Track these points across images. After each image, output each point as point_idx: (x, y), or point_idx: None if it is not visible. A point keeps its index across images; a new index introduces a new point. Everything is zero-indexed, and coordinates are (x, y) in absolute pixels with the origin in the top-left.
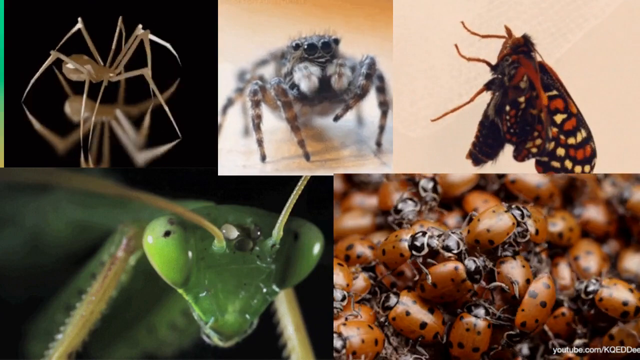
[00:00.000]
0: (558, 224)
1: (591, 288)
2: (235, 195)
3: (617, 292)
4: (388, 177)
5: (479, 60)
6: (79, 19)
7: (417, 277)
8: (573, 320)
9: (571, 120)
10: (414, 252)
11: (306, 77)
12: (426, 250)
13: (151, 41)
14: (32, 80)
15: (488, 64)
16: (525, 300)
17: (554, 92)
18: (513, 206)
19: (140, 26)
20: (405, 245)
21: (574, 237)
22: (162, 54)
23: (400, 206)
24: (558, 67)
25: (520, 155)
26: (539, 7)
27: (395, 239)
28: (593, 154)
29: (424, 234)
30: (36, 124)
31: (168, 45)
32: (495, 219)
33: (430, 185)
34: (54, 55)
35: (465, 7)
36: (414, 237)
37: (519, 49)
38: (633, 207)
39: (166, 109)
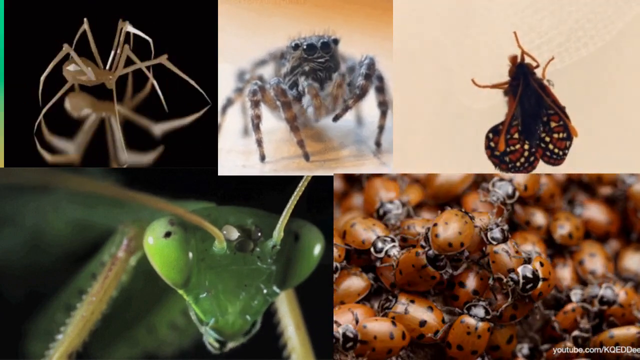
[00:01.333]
0: (565, 226)
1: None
2: (235, 196)
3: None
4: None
5: (494, 86)
6: (85, 20)
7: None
8: (582, 316)
9: (560, 127)
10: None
11: (317, 109)
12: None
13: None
14: (43, 77)
15: (502, 87)
16: None
17: (551, 111)
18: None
19: (127, 23)
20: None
21: (580, 236)
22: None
23: (386, 207)
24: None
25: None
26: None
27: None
28: (568, 146)
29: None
30: (36, 124)
31: (148, 38)
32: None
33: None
34: (65, 49)
35: (466, 7)
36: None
37: (519, 77)
38: (632, 195)
39: (191, 82)
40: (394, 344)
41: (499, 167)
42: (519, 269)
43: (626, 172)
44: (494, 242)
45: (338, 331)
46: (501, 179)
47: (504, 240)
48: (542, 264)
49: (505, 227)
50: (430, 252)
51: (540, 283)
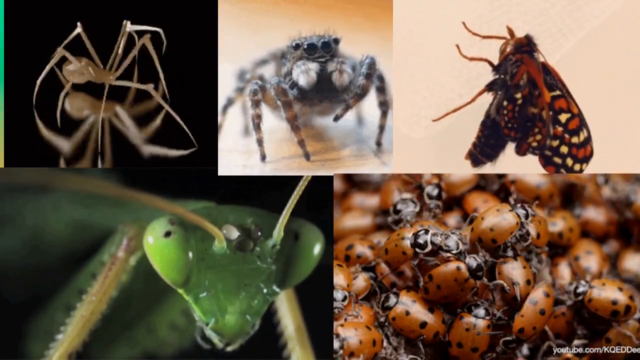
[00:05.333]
0: (558, 224)
1: (580, 289)
2: (235, 195)
3: (606, 292)
4: (390, 176)
5: (480, 59)
6: (79, 24)
7: (420, 279)
8: (573, 320)
9: (575, 120)
10: (417, 250)
11: (304, 73)
12: (429, 247)
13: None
14: (39, 81)
15: (490, 63)
16: (525, 307)
17: (557, 92)
18: (518, 205)
19: (128, 22)
20: (407, 243)
21: (573, 237)
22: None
23: (399, 206)
24: (559, 67)
25: (521, 150)
26: (540, 7)
27: (398, 237)
28: (592, 154)
29: (427, 231)
30: (36, 124)
31: (158, 29)
32: (499, 217)
33: (435, 192)
34: (60, 52)
35: (466, 7)
36: (416, 235)
37: (522, 49)
38: (638, 210)
39: (177, 118)
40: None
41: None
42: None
43: (627, 172)
44: (446, 252)
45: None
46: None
47: (457, 249)
48: (547, 294)
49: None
50: (473, 263)
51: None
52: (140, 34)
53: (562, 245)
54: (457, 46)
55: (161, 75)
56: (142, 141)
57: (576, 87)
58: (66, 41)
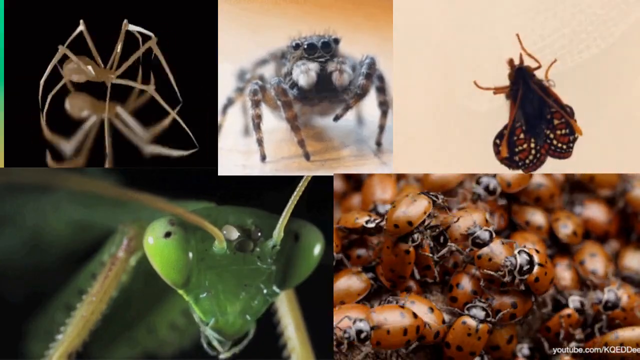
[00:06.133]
0: (568, 225)
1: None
2: (235, 196)
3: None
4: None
5: (496, 89)
6: (81, 21)
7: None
8: (577, 323)
9: (563, 124)
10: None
11: (304, 73)
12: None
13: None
14: (42, 81)
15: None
16: None
17: (554, 109)
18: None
19: (125, 21)
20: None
21: (583, 234)
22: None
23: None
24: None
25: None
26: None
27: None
28: (572, 140)
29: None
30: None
31: (150, 33)
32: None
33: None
34: (61, 50)
35: (465, 7)
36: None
37: (519, 81)
38: (631, 200)
39: (179, 120)
40: (407, 323)
41: (512, 168)
42: (515, 252)
43: (630, 172)
44: (475, 247)
45: (350, 327)
46: (485, 175)
47: (489, 241)
48: (537, 251)
49: (492, 227)
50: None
51: (537, 268)
52: (146, 38)
53: (577, 244)
54: (475, 82)
55: (171, 77)
56: (145, 141)
57: (592, 91)
58: (69, 40)
